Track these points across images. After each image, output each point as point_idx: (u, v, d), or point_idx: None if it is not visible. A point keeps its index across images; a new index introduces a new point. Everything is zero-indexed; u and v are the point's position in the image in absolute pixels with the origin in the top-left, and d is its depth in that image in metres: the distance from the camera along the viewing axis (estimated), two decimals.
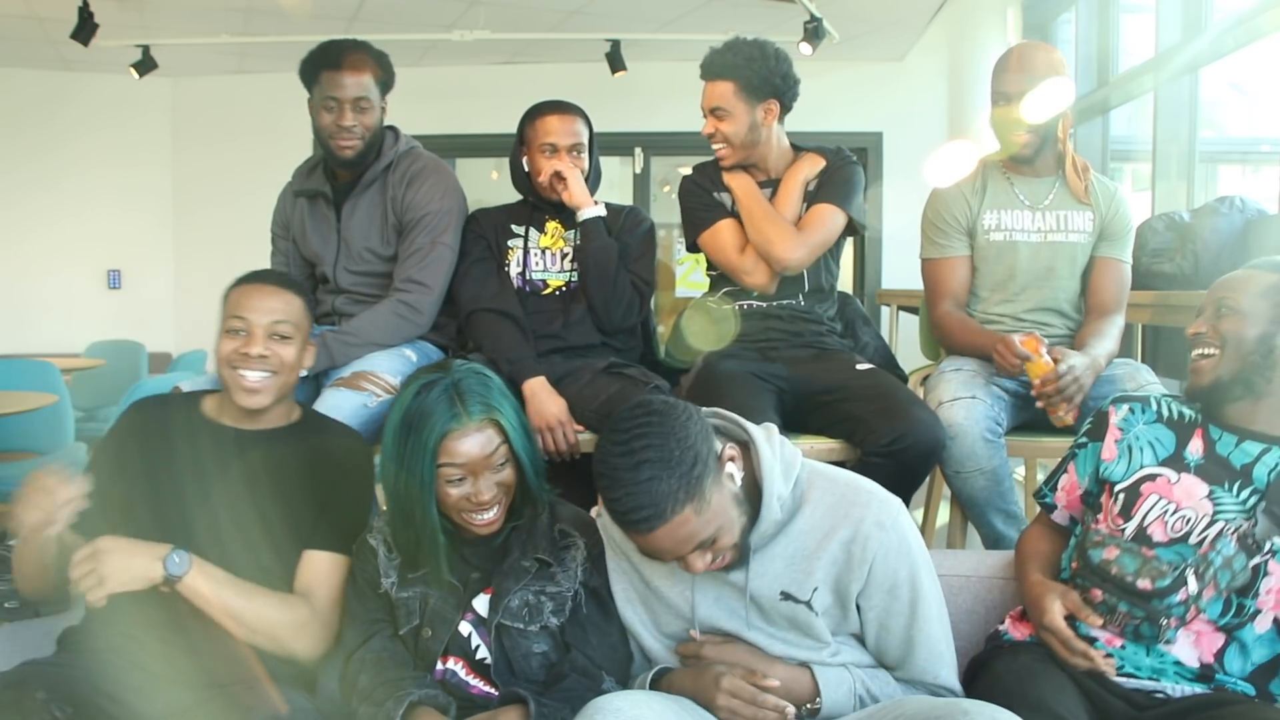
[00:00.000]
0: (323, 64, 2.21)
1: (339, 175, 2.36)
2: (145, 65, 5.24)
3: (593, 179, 2.37)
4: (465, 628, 1.48)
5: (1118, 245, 2.26)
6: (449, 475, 1.44)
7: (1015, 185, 2.27)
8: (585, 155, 2.33)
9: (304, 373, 2.13)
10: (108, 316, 6.14)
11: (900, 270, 5.22)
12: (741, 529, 1.37)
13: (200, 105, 6.26)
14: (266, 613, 1.52)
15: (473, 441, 1.44)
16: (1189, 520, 1.48)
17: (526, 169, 2.35)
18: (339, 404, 2.08)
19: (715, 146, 2.27)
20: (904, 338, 4.54)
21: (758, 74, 2.21)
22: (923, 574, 1.45)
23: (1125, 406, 1.62)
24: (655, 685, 1.44)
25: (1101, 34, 4.27)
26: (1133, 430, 1.59)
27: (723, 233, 2.28)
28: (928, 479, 2.15)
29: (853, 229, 2.30)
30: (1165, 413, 1.60)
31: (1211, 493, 1.49)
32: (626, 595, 1.53)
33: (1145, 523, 1.51)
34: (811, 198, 2.27)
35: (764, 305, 2.27)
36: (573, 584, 1.49)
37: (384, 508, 1.56)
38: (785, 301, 2.28)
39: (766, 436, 1.45)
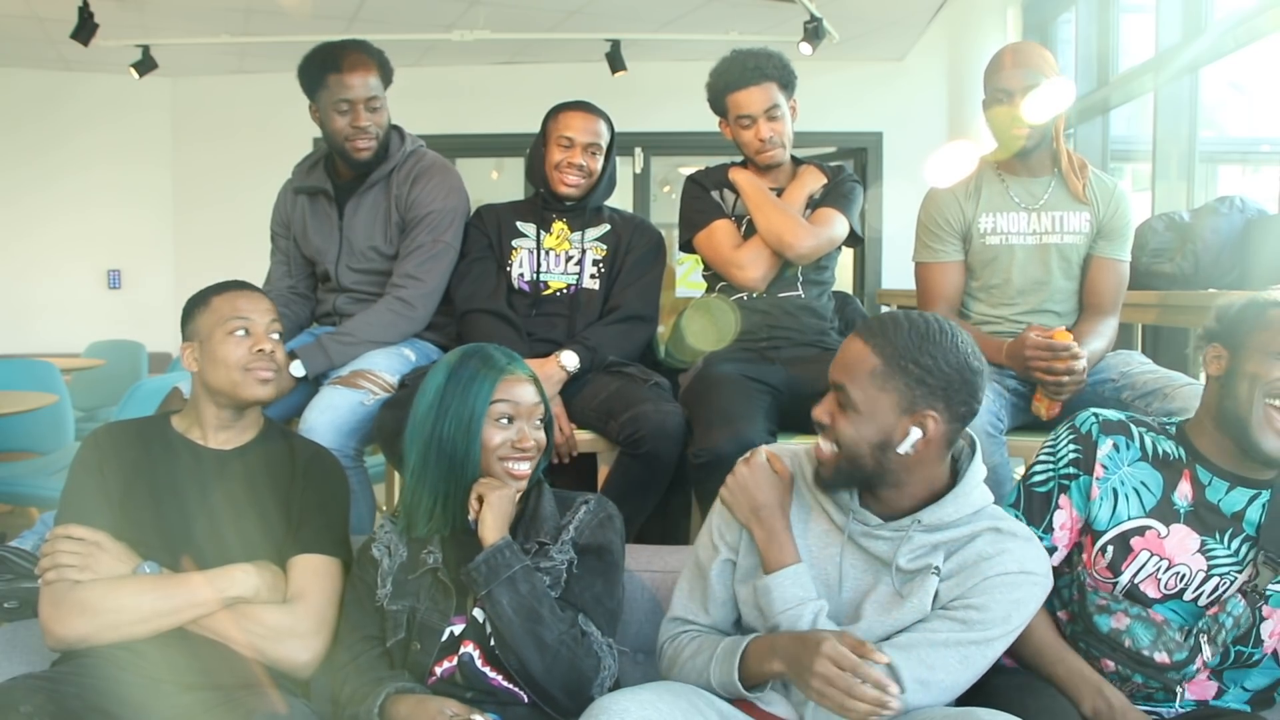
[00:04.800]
0: (329, 67, 2.21)
1: (342, 173, 2.36)
2: (145, 65, 5.24)
3: (606, 183, 2.38)
4: (479, 614, 1.50)
5: (1116, 244, 2.25)
6: (499, 413, 1.53)
7: (1010, 187, 2.26)
8: (601, 157, 2.34)
9: (301, 374, 2.14)
10: (108, 316, 6.13)
11: (900, 270, 5.22)
12: (863, 454, 1.37)
13: (200, 105, 6.26)
14: (245, 623, 1.53)
15: (525, 389, 1.56)
16: (1183, 577, 1.44)
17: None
18: (335, 403, 2.08)
19: (770, 152, 2.28)
20: None
21: (785, 70, 2.29)
22: (998, 638, 1.36)
23: (1109, 441, 1.50)
24: (750, 647, 1.40)
25: (1101, 34, 4.27)
26: (1118, 472, 1.49)
27: (718, 232, 2.30)
28: None
29: (853, 239, 2.36)
30: (1150, 449, 1.50)
31: (1203, 544, 1.44)
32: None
33: (1137, 579, 1.46)
34: (816, 204, 2.32)
35: (766, 296, 2.28)
36: (565, 554, 1.53)
37: (383, 509, 1.56)
38: (787, 294, 2.30)
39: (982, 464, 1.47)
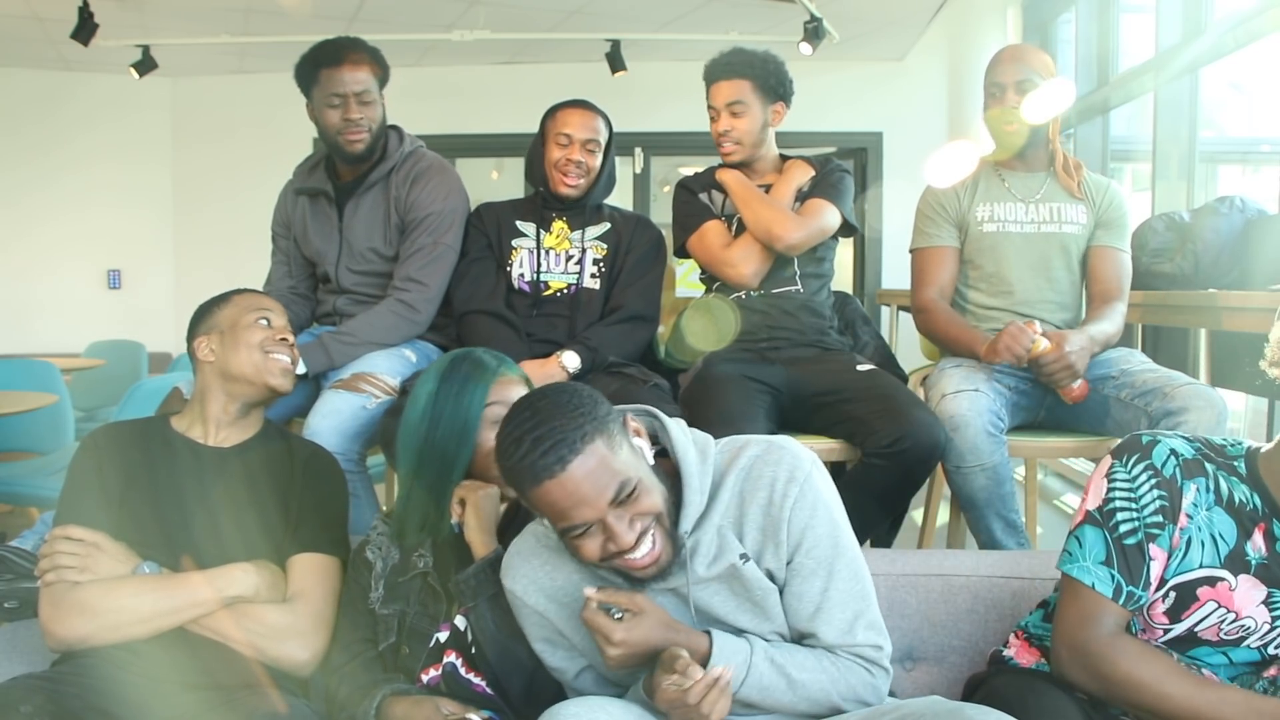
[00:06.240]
0: (321, 63, 2.22)
1: (342, 174, 2.36)
2: (145, 65, 5.24)
3: (605, 181, 2.38)
4: (461, 622, 1.49)
5: (1114, 233, 2.28)
6: (495, 415, 1.46)
7: (1007, 180, 2.31)
8: (600, 155, 2.34)
9: (301, 372, 2.15)
10: (108, 316, 6.13)
11: (900, 270, 5.20)
12: (667, 506, 1.29)
13: (200, 104, 6.26)
14: (245, 622, 1.53)
15: (518, 390, 1.52)
16: (1247, 628, 1.36)
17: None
18: (339, 406, 2.08)
19: (726, 146, 2.31)
20: (904, 338, 4.54)
21: (772, 75, 2.29)
22: (842, 531, 1.35)
23: (1193, 487, 1.34)
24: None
25: (1101, 34, 4.27)
26: (1197, 518, 1.34)
27: (708, 233, 2.32)
28: (928, 479, 2.17)
29: (847, 230, 2.36)
30: (1225, 494, 1.35)
31: (1269, 596, 1.34)
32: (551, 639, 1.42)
33: (1197, 627, 1.37)
34: (804, 196, 2.32)
35: (764, 293, 2.28)
36: None
37: (384, 508, 1.56)
38: (785, 290, 2.30)
39: (678, 423, 1.39)
